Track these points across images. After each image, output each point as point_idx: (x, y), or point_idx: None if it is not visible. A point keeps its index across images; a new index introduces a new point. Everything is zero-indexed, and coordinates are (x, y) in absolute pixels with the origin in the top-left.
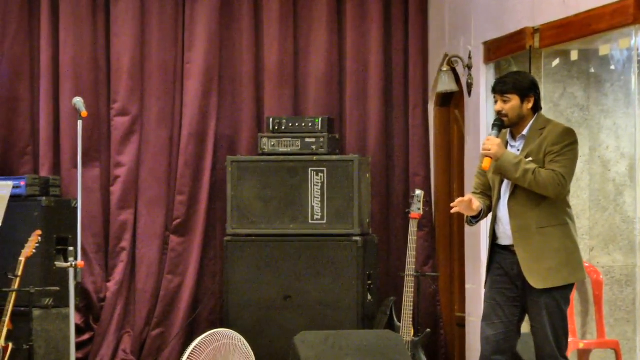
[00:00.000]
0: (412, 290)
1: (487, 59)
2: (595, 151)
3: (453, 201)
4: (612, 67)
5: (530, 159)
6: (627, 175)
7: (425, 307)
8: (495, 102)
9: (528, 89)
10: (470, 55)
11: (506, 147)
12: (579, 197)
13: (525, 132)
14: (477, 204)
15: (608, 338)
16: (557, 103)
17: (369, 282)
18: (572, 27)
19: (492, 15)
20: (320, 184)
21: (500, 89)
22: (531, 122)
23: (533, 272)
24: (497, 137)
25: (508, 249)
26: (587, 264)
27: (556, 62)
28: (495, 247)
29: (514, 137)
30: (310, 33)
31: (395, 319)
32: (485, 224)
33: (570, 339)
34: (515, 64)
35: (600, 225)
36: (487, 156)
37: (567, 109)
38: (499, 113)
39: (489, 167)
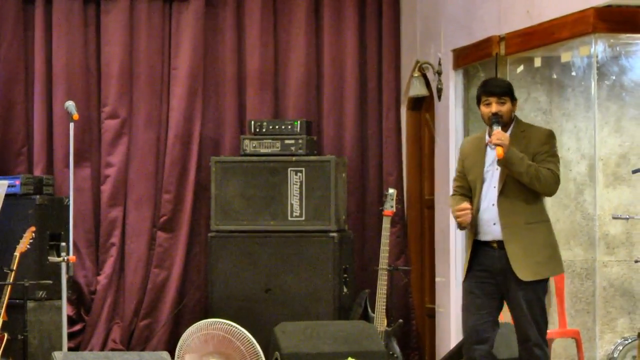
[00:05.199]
0: (386, 283)
1: (456, 66)
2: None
3: (424, 199)
4: (573, 74)
5: None
6: (587, 175)
7: (398, 299)
8: (488, 104)
9: (514, 94)
10: (440, 61)
11: (485, 150)
12: None
13: (508, 134)
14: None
15: (569, 328)
16: (521, 107)
17: (345, 275)
18: (535, 35)
19: (461, 24)
20: (299, 183)
21: (498, 92)
22: (512, 125)
23: (522, 266)
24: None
25: (489, 244)
26: None
27: (520, 68)
28: (476, 243)
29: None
30: (289, 41)
31: (370, 310)
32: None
33: None
34: (482, 70)
35: (562, 222)
36: (499, 145)
37: (530, 112)
38: (495, 115)
39: (502, 157)
